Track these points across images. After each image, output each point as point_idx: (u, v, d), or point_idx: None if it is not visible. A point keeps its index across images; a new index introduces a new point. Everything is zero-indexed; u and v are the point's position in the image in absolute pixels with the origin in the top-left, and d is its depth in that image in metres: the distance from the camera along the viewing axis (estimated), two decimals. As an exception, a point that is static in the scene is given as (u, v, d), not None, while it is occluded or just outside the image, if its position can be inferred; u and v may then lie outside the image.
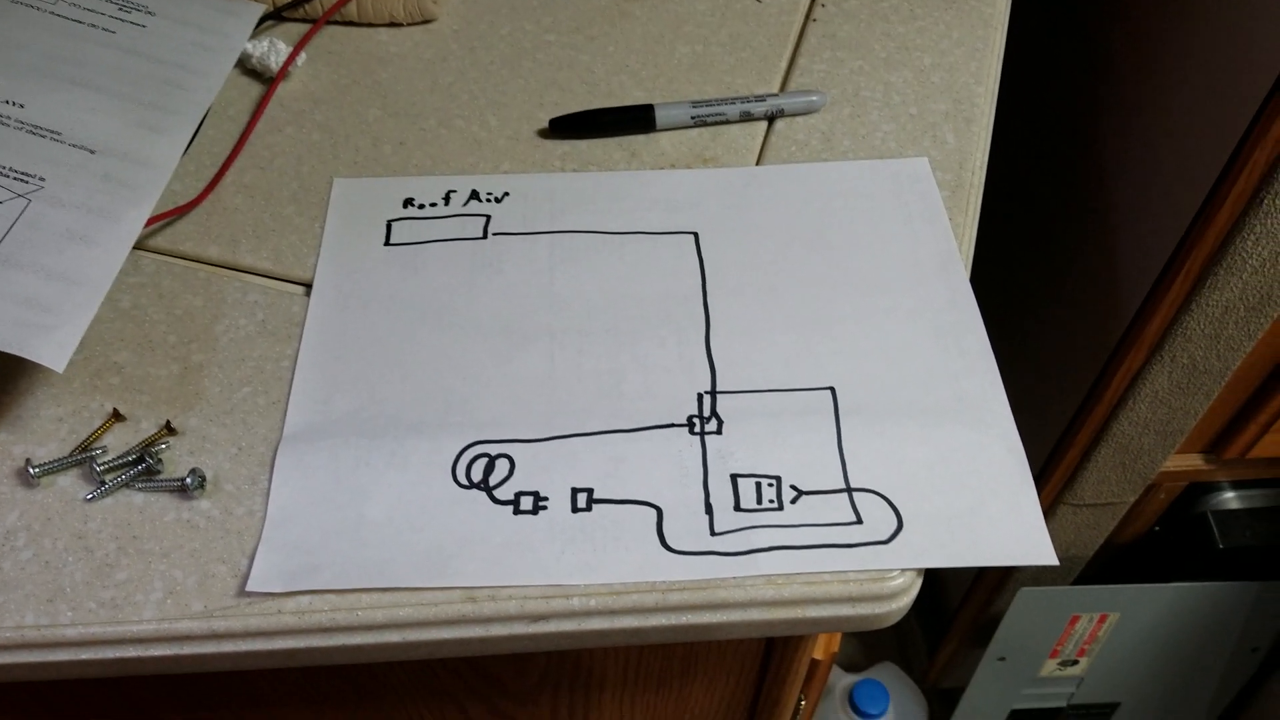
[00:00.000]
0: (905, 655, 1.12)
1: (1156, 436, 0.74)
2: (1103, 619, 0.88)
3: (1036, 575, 0.89)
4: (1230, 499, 0.84)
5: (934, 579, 1.11)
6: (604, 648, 0.39)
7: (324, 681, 0.39)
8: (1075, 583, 0.91)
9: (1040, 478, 0.81)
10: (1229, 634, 0.90)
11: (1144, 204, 0.66)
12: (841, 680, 0.98)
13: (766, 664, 0.43)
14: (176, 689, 0.39)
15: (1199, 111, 0.60)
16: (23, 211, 0.35)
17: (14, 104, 0.38)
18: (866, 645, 1.13)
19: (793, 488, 0.35)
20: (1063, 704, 0.97)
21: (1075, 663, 0.92)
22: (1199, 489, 0.83)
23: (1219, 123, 0.57)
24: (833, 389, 0.37)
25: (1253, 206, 0.57)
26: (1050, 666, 0.92)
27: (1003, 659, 0.90)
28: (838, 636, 0.52)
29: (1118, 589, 0.85)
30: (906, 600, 0.33)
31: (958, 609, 1.01)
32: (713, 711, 0.45)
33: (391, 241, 0.42)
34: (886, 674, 1.01)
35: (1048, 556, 0.33)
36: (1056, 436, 0.79)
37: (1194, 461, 0.80)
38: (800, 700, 0.51)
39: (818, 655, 0.50)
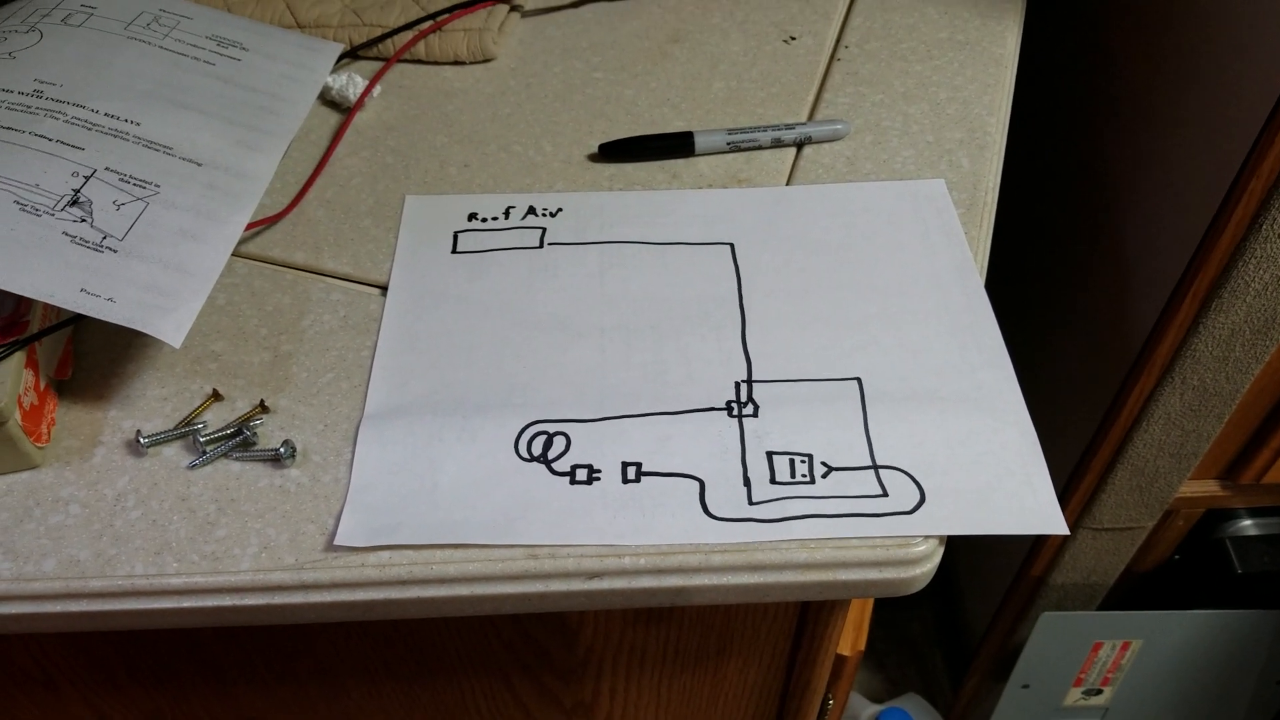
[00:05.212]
0: (929, 691, 1.13)
1: (1171, 459, 0.77)
2: (1125, 646, 0.89)
3: (1060, 601, 0.90)
4: (1248, 526, 0.86)
5: (957, 609, 1.13)
6: (647, 623, 0.42)
7: (386, 650, 0.42)
8: (1098, 610, 0.92)
9: (1059, 501, 0.83)
10: (1252, 664, 0.90)
11: (1152, 230, 0.70)
12: (866, 710, 0.99)
13: (796, 648, 0.45)
14: (247, 653, 0.42)
15: (1200, 142, 0.64)
16: (142, 212, 0.39)
17: (132, 122, 0.43)
18: (890, 679, 1.14)
19: (823, 464, 0.38)
20: (1088, 736, 0.97)
21: (1099, 692, 0.93)
22: (1217, 516, 0.85)
23: (1219, 153, 0.61)
24: (859, 379, 0.41)
25: (1252, 232, 0.60)
26: (1074, 695, 0.93)
27: (1026, 686, 0.91)
28: (864, 635, 0.54)
29: (1138, 615, 0.87)
30: (930, 566, 0.36)
31: (980, 642, 1.02)
32: (745, 695, 0.48)
33: (458, 250, 0.46)
34: (911, 705, 1.01)
35: (1058, 526, 0.36)
36: (1074, 461, 0.81)
37: (1210, 488, 0.82)
38: (828, 699, 0.53)
39: (844, 651, 0.52)
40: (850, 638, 0.52)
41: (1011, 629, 0.96)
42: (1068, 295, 0.83)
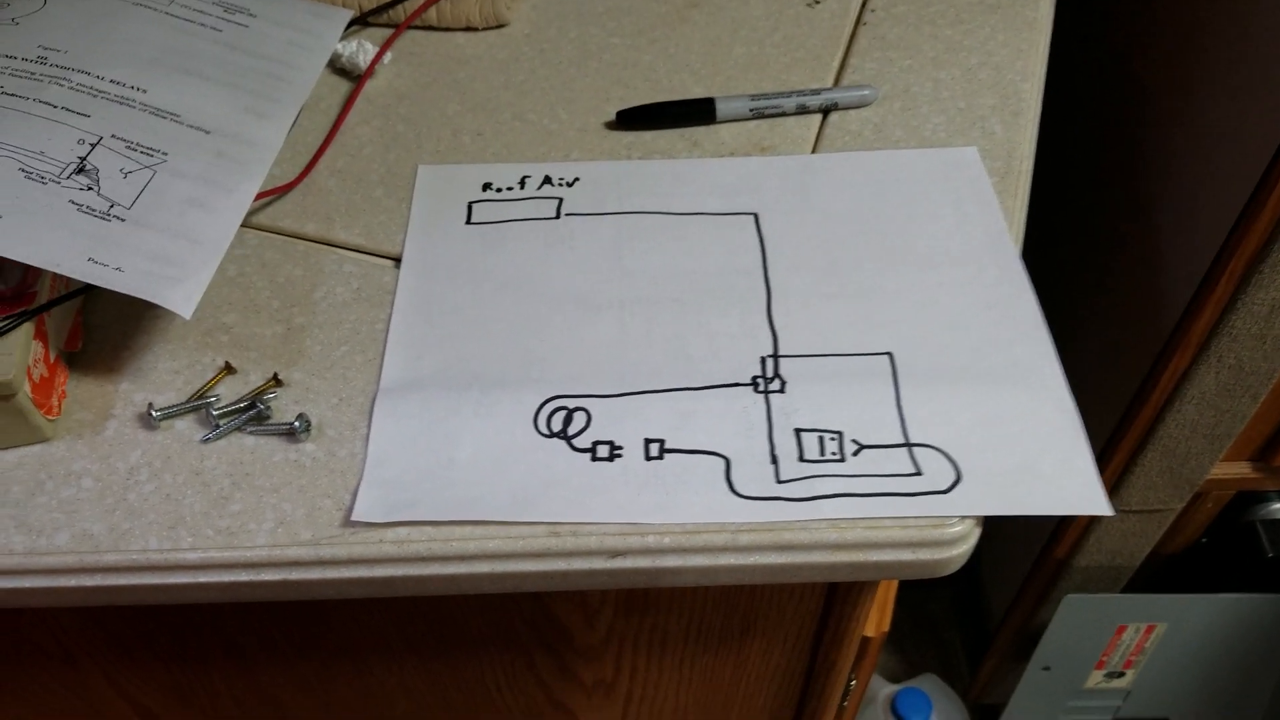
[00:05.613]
0: (946, 671, 1.12)
1: (1204, 440, 0.75)
2: (1150, 629, 0.88)
3: (1083, 583, 0.89)
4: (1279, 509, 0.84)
5: (976, 590, 1.11)
6: (669, 602, 0.41)
7: (407, 627, 0.41)
8: (1122, 593, 0.91)
9: (1085, 482, 0.81)
10: (1279, 650, 0.89)
11: (1188, 205, 0.68)
12: (883, 689, 0.98)
13: (822, 629, 0.44)
14: (267, 630, 0.42)
15: (1241, 114, 0.61)
16: (149, 180, 0.38)
17: (138, 89, 0.41)
18: (907, 659, 1.13)
19: (854, 441, 0.37)
20: (1109, 718, 0.96)
21: (1122, 675, 0.92)
22: (1247, 498, 0.83)
23: (1260, 125, 0.59)
24: (890, 354, 0.40)
25: (1295, 204, 0.58)
26: (1096, 678, 0.92)
27: (1047, 668, 0.90)
28: (888, 615, 0.53)
29: (1165, 598, 0.85)
30: (965, 548, 0.35)
31: (1001, 622, 1.01)
32: (768, 676, 0.47)
33: (472, 221, 0.45)
34: (928, 684, 1.01)
35: (1101, 506, 0.35)
36: (1102, 441, 0.79)
37: (1242, 469, 0.80)
38: (851, 680, 0.52)
39: (869, 633, 0.51)
40: (875, 618, 0.51)
41: (1033, 611, 0.94)
42: (1097, 270, 0.81)
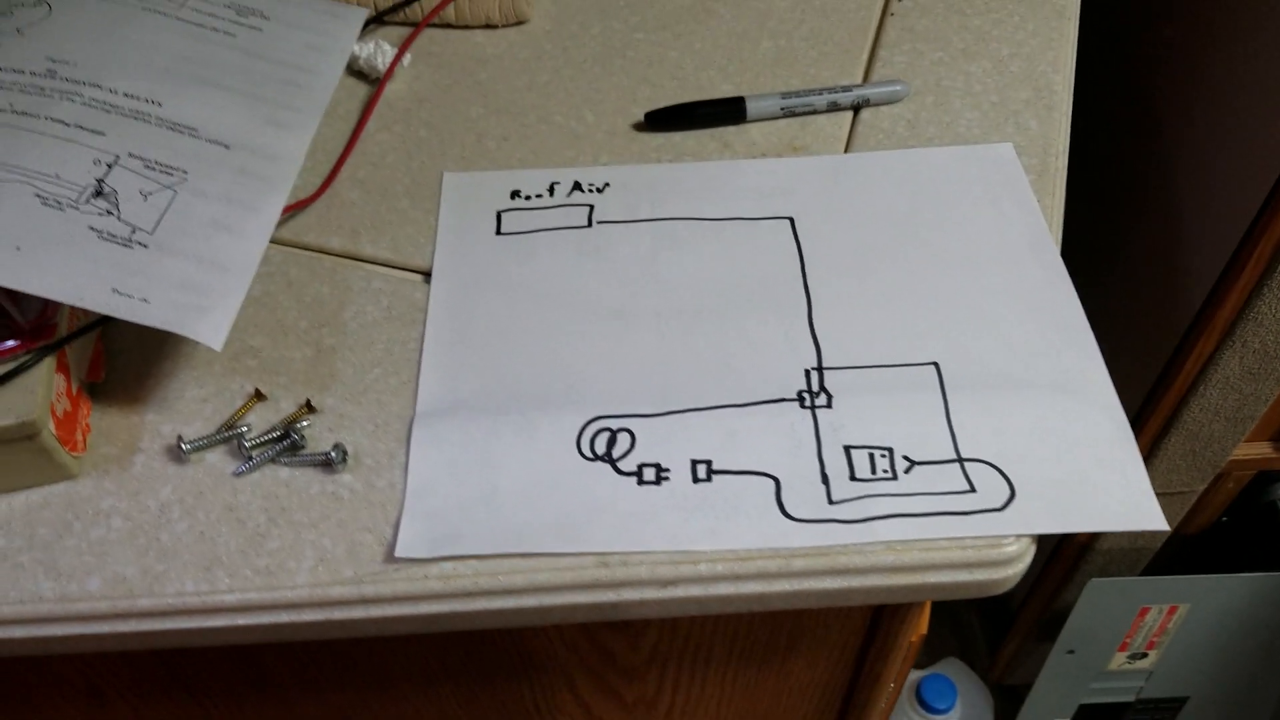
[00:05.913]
0: (966, 654, 1.12)
1: (1227, 423, 0.74)
2: (1172, 610, 0.88)
3: (1104, 565, 0.89)
4: (1300, 488, 0.83)
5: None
6: (715, 621, 0.40)
7: (445, 655, 0.41)
8: (1143, 574, 0.91)
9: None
10: (1300, 627, 0.89)
11: (1213, 187, 0.67)
12: (908, 676, 0.98)
13: (869, 640, 0.43)
14: (301, 662, 0.41)
15: (1268, 96, 0.60)
16: (171, 202, 0.37)
17: (153, 102, 0.40)
18: (927, 644, 1.13)
19: (905, 458, 0.36)
20: (1131, 698, 0.96)
21: (1144, 655, 0.92)
22: (1268, 478, 0.83)
23: (1292, 106, 0.58)
24: (936, 364, 0.38)
25: (1330, 189, 0.57)
26: (1119, 659, 0.92)
27: (1071, 652, 0.90)
28: (926, 619, 0.53)
29: (1188, 579, 0.85)
30: (1021, 566, 0.34)
31: (1020, 605, 1.01)
32: (811, 688, 0.46)
33: (502, 231, 0.43)
34: (951, 669, 1.01)
35: (1157, 521, 0.34)
36: (1125, 426, 0.79)
37: (1263, 450, 0.79)
38: (889, 685, 0.52)
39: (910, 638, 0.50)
40: (917, 624, 0.50)
41: (1053, 595, 0.94)
42: (1120, 254, 0.80)
